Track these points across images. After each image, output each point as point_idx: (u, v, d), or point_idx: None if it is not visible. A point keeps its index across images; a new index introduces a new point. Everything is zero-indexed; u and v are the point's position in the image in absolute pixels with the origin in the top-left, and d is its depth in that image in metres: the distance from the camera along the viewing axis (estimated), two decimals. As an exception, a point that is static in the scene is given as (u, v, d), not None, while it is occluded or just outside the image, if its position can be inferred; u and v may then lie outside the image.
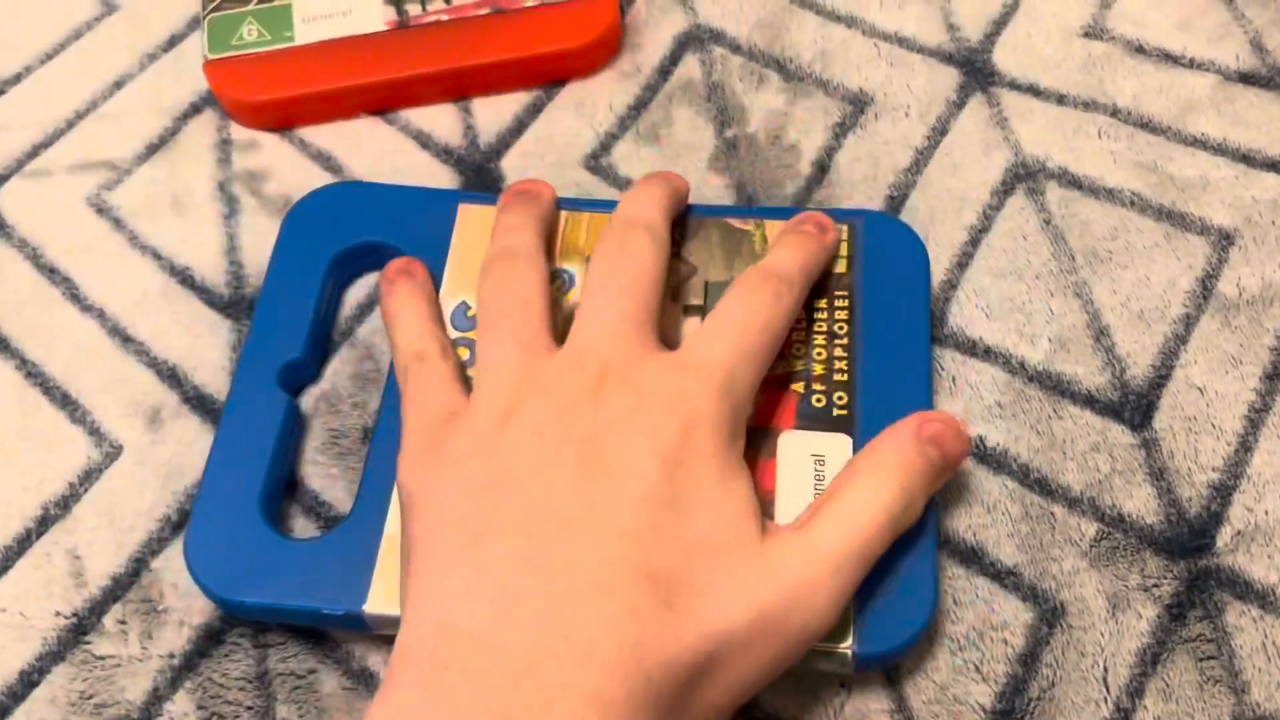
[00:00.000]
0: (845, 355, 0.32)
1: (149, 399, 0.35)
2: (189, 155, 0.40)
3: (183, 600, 0.32)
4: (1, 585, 0.33)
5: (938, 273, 0.36)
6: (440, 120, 0.41)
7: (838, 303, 0.33)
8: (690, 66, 0.41)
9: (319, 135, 0.40)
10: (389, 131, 0.40)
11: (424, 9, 0.41)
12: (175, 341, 0.36)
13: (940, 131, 0.39)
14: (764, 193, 0.38)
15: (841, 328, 0.33)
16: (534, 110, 0.41)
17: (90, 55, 0.42)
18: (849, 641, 0.28)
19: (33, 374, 0.36)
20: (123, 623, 0.32)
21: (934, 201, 0.37)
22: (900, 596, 0.29)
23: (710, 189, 0.38)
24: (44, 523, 0.34)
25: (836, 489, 0.28)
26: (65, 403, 0.35)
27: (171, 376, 0.36)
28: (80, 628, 0.32)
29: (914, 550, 0.29)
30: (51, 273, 0.38)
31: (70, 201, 0.39)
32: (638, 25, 0.42)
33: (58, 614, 0.32)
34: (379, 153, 0.40)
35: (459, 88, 0.41)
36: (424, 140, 0.40)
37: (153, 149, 0.40)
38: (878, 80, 0.40)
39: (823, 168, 0.38)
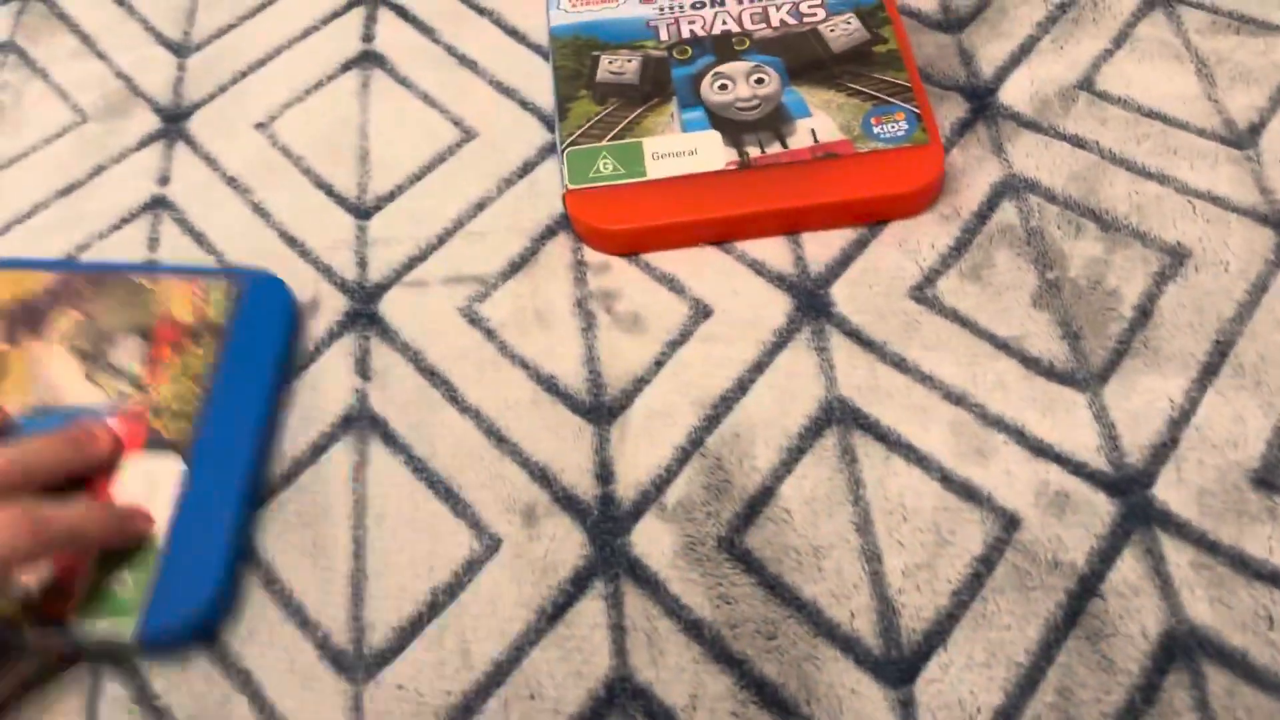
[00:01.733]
0: (197, 392, 0.40)
1: (524, 496, 0.39)
2: (548, 273, 0.44)
3: (557, 690, 0.35)
4: (401, 663, 0.36)
5: (1270, 420, 0.38)
6: (772, 250, 0.44)
7: (202, 348, 0.41)
8: (1008, 213, 0.44)
9: (663, 260, 0.44)
10: (727, 259, 0.44)
11: (763, 151, 0.44)
12: (545, 444, 0.40)
13: (1260, 288, 0.41)
14: (1089, 331, 0.40)
15: (202, 369, 0.40)
16: (859, 245, 0.44)
17: (454, 178, 0.47)
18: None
19: (419, 469, 0.40)
20: (505, 706, 0.35)
21: (1263, 352, 0.39)
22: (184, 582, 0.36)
23: (1034, 324, 0.41)
24: (434, 607, 0.37)
25: None
26: (449, 497, 0.39)
27: (542, 476, 0.39)
28: (467, 708, 0.35)
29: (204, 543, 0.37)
30: (433, 375, 0.42)
31: (445, 311, 0.43)
32: (955, 173, 0.45)
33: (448, 693, 0.36)
34: (718, 278, 0.43)
35: (791, 224, 0.44)
36: (759, 268, 0.44)
37: (515, 266, 0.44)
38: (1194, 235, 0.42)
39: (1145, 312, 0.41)
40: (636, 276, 0.44)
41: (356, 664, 0.36)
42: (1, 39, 0.54)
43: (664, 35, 0.48)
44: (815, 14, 0.48)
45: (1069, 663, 0.35)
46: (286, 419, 0.41)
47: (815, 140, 0.44)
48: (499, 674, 0.36)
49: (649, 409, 0.40)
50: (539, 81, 0.50)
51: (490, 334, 0.43)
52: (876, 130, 0.44)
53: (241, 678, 0.36)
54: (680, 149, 0.45)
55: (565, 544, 0.38)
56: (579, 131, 0.45)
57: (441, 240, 0.45)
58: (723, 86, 0.46)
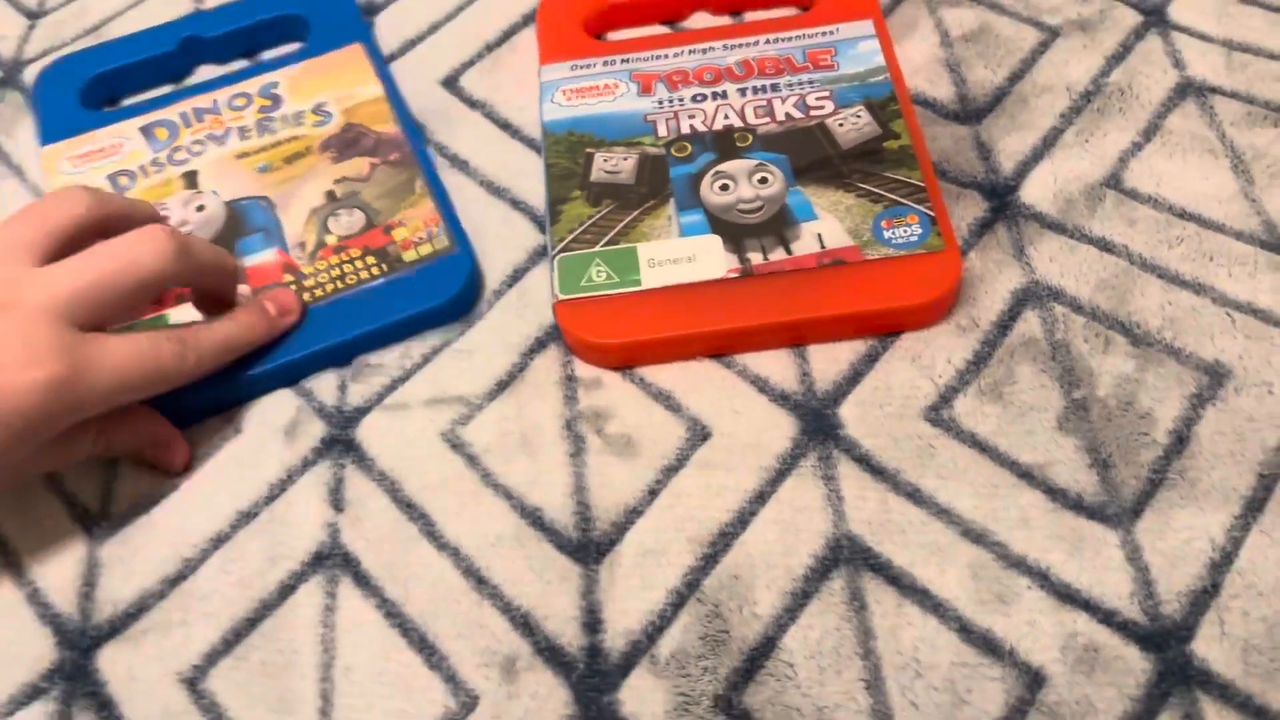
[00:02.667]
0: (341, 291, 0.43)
1: (504, 647, 0.36)
2: (536, 392, 0.41)
3: None
4: (367, 835, 0.33)
5: (1322, 572, 0.34)
6: (776, 365, 0.41)
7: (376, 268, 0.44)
8: (1030, 323, 0.41)
9: (659, 375, 0.41)
10: (727, 374, 0.41)
11: (765, 258, 0.41)
12: (528, 588, 0.37)
13: (1316, 414, 0.37)
14: (1120, 460, 0.37)
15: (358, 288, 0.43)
16: (869, 359, 0.41)
17: (440, 287, 0.44)
18: None
19: (392, 614, 0.37)
20: None
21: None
22: None
23: (1060, 451, 0.37)
24: (404, 771, 0.34)
25: None
26: (423, 646, 0.36)
27: (524, 624, 0.36)
28: None
29: None
30: (409, 508, 0.39)
31: (427, 435, 0.40)
32: (972, 279, 0.42)
33: None
34: (718, 395, 0.41)
35: (795, 336, 0.41)
36: (761, 385, 0.41)
37: (502, 385, 0.42)
38: (1234, 352, 0.39)
39: (1181, 438, 0.37)
40: (630, 393, 0.41)
41: (319, 838, 0.33)
42: (-17, 139, 0.53)
43: (662, 131, 0.46)
44: (823, 107, 0.46)
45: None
46: (253, 553, 0.38)
47: (821, 246, 0.42)
48: None
49: (641, 545, 0.37)
50: (531, 180, 0.47)
51: (473, 460, 0.40)
52: (887, 235, 0.41)
53: None
54: (678, 255, 0.42)
55: (548, 703, 0.35)
56: (571, 236, 0.43)
57: (426, 359, 0.43)
58: (724, 186, 0.44)
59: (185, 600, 0.38)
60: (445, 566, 0.38)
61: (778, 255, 0.42)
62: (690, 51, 0.49)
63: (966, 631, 0.35)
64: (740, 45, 0.49)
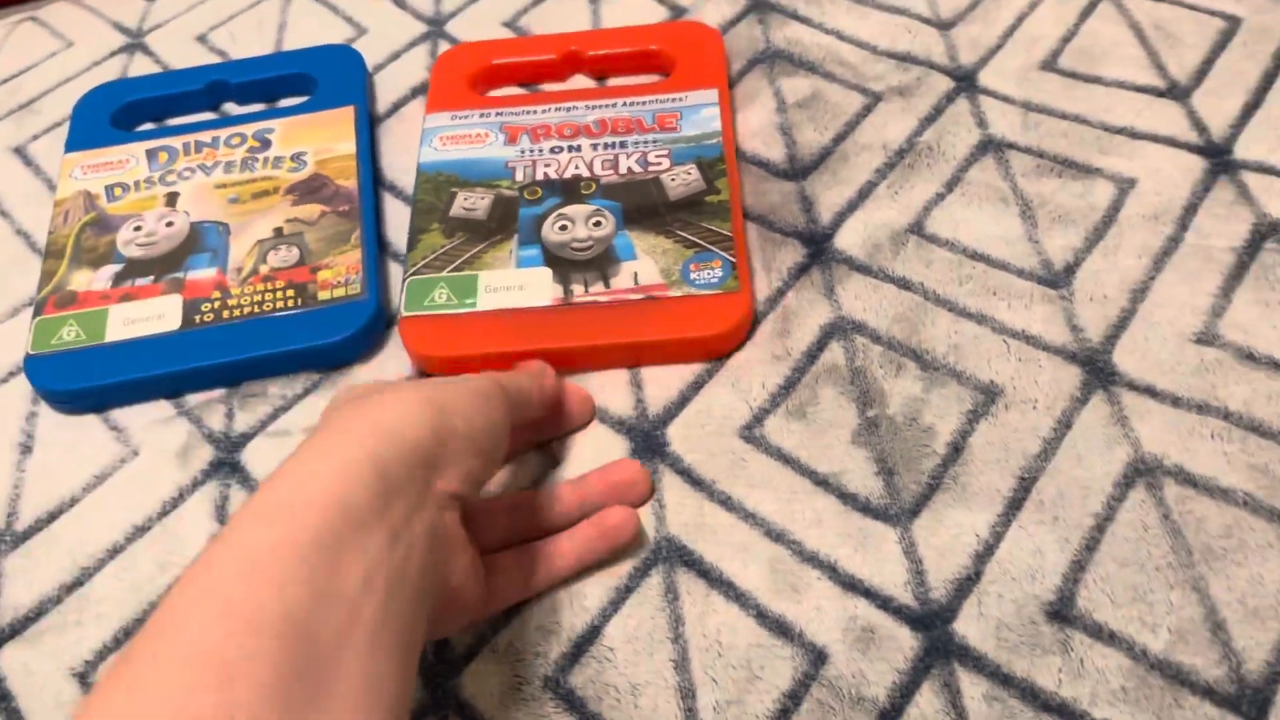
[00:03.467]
0: None
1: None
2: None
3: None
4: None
5: (1067, 554, 0.40)
6: (615, 392, 0.47)
7: None
8: (835, 353, 0.46)
9: (512, 404, 0.47)
10: (571, 401, 0.46)
11: (586, 290, 0.47)
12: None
13: (1065, 425, 0.43)
14: (903, 467, 0.43)
15: None
16: (695, 386, 0.46)
17: (322, 326, 0.50)
18: None
19: (265, 611, 0.42)
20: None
21: (1062, 488, 0.41)
22: None
23: (852, 461, 0.43)
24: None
25: None
26: (292, 639, 0.41)
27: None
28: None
29: None
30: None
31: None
32: (788, 314, 0.48)
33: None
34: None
35: (616, 359, 0.47)
36: (601, 413, 0.46)
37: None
38: (1007, 374, 0.45)
39: (957, 448, 0.43)
40: (486, 420, 0.46)
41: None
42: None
43: (519, 176, 0.52)
44: (660, 163, 0.52)
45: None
46: (144, 562, 0.43)
47: (636, 283, 0.48)
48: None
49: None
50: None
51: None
52: (693, 276, 0.47)
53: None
54: (511, 284, 0.48)
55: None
56: (423, 262, 0.49)
57: (307, 390, 0.48)
58: (563, 227, 0.50)
59: (81, 604, 0.43)
60: (314, 571, 0.42)
61: (597, 288, 0.48)
62: (557, 109, 0.55)
63: (763, 617, 0.40)
64: (600, 106, 0.55)
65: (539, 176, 0.52)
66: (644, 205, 0.50)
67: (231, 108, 0.59)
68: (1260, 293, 0.45)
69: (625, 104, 0.55)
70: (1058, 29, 0.57)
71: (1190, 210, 0.49)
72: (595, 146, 0.53)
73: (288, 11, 0.64)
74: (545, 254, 0.49)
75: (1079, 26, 0.57)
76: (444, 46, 0.61)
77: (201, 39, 0.63)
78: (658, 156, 0.52)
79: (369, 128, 0.56)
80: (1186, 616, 0.38)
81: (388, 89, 0.59)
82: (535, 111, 0.55)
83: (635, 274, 0.48)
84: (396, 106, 0.58)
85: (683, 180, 0.51)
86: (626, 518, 0.41)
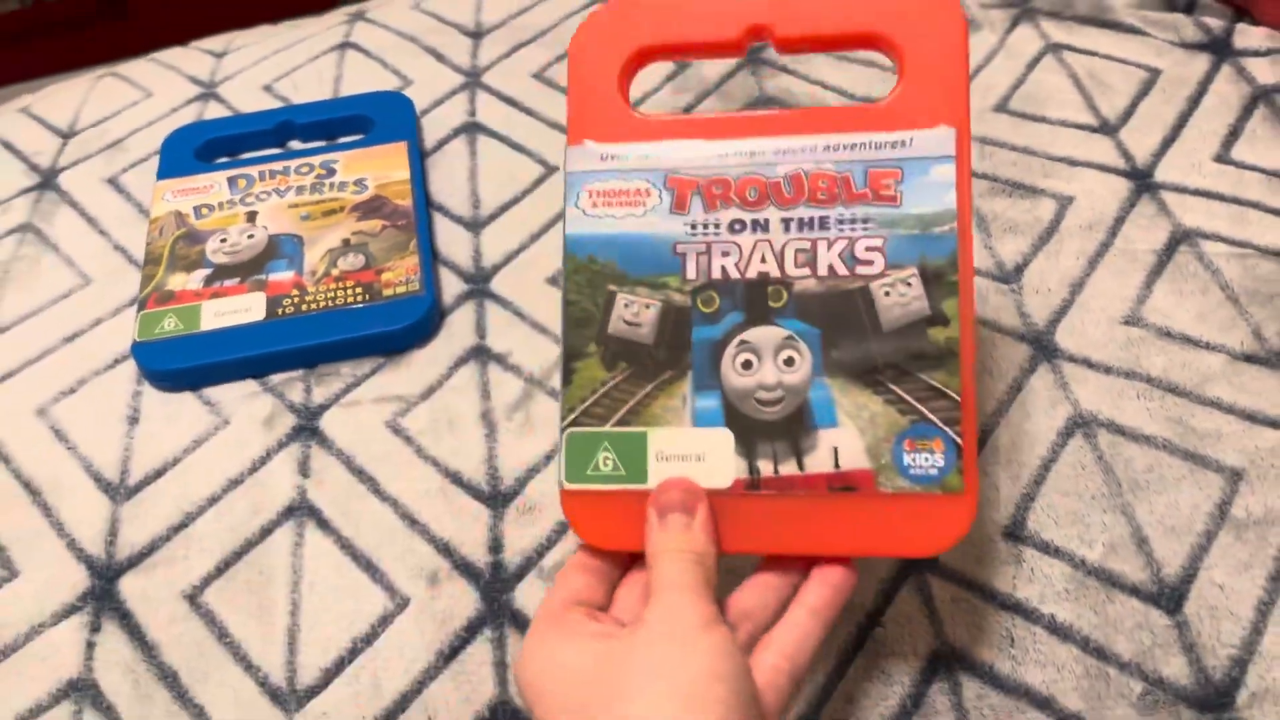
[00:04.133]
0: None
1: (429, 565, 0.48)
2: (458, 394, 0.54)
3: (450, 714, 0.44)
4: (325, 696, 0.45)
5: (1018, 488, 0.48)
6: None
7: None
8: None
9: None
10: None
11: (776, 470, 0.38)
12: (448, 524, 0.50)
13: (1016, 389, 0.52)
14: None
15: None
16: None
17: (385, 319, 0.58)
18: None
19: (345, 546, 0.49)
20: (409, 727, 0.44)
21: (1015, 438, 0.50)
22: None
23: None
24: (354, 653, 0.46)
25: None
26: (369, 567, 0.49)
27: (446, 549, 0.49)
28: (379, 730, 0.44)
29: None
30: (360, 474, 0.52)
31: (374, 424, 0.53)
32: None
33: (363, 718, 0.44)
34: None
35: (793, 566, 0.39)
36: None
37: (432, 389, 0.55)
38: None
39: (927, 414, 0.51)
40: (541, 396, 0.54)
41: (289, 698, 0.45)
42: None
43: (691, 271, 0.39)
44: (872, 261, 0.38)
45: (856, 677, 0.44)
46: (240, 508, 0.51)
47: (836, 465, 0.37)
48: (404, 702, 0.45)
49: (538, 493, 0.50)
50: (463, 250, 0.61)
51: (409, 440, 0.53)
52: (907, 462, 0.37)
53: (195, 710, 0.45)
54: (687, 451, 0.38)
55: (461, 601, 0.47)
56: (581, 408, 0.39)
57: (374, 370, 0.56)
58: (746, 364, 0.39)
59: (187, 541, 0.50)
60: (387, 512, 0.50)
61: (789, 468, 0.38)
62: (736, 152, 0.40)
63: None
64: (794, 150, 0.40)
65: (715, 274, 0.39)
66: (849, 335, 0.38)
67: (297, 145, 0.68)
68: (1175, 284, 0.55)
69: (828, 147, 0.40)
70: (1008, 78, 0.67)
71: (1119, 221, 0.58)
72: (787, 225, 0.39)
73: (343, 65, 0.73)
74: (725, 404, 0.38)
75: (1026, 76, 0.67)
76: (481, 96, 0.70)
77: (267, 88, 0.72)
78: (868, 249, 0.39)
79: (420, 159, 0.65)
80: (1117, 534, 0.46)
81: (433, 129, 0.68)
82: (707, 152, 0.40)
83: (835, 450, 0.37)
84: (441, 144, 0.67)
85: (899, 297, 0.38)
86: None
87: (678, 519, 0.37)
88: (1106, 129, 0.63)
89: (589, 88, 0.42)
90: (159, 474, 0.53)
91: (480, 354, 0.56)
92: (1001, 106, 0.65)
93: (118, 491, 0.52)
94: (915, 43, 0.40)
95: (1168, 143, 0.62)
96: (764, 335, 0.39)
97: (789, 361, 0.38)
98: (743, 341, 0.39)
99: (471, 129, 0.68)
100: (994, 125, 0.64)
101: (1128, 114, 0.64)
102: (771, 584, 0.38)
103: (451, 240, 0.62)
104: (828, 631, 0.37)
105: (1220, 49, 0.67)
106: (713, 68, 0.70)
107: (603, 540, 0.39)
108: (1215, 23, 0.68)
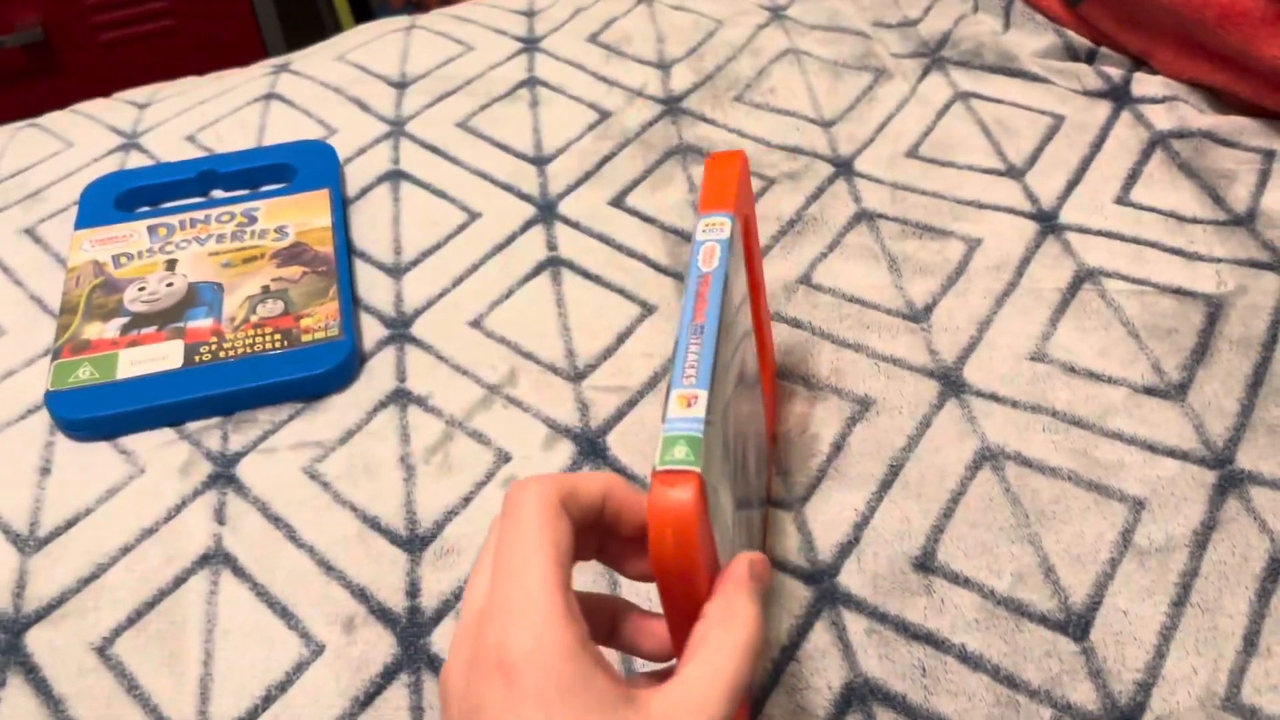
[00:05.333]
0: None
1: (345, 611, 0.48)
2: (376, 439, 0.54)
3: (368, 760, 0.44)
4: (237, 744, 0.44)
5: (928, 520, 0.49)
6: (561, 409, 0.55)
7: None
8: (742, 377, 0.56)
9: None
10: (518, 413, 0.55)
11: None
12: (366, 570, 0.49)
13: (925, 424, 0.53)
14: (796, 468, 0.52)
15: None
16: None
17: (305, 366, 0.58)
18: None
19: (260, 593, 0.49)
20: (323, 775, 0.43)
21: (924, 471, 0.51)
22: None
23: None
24: (267, 700, 0.46)
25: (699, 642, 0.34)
26: (284, 614, 0.48)
27: (362, 594, 0.49)
28: (292, 778, 0.43)
29: None
30: (276, 520, 0.51)
31: (291, 470, 0.53)
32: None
33: (276, 768, 0.44)
34: (509, 428, 0.54)
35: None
36: (549, 421, 0.55)
37: (350, 433, 0.55)
38: (878, 388, 0.54)
39: (838, 447, 0.52)
40: (457, 435, 0.54)
41: (200, 748, 0.44)
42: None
43: None
44: None
45: (771, 713, 0.44)
46: (153, 556, 0.50)
47: None
48: (318, 751, 0.44)
49: (457, 535, 0.50)
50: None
51: (326, 485, 0.53)
52: None
53: (103, 764, 0.44)
54: None
55: (378, 646, 0.47)
56: None
57: (291, 417, 0.56)
58: None
59: (98, 593, 0.49)
60: (303, 558, 0.50)
61: None
62: None
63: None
64: None
65: None
66: None
67: (220, 194, 0.68)
68: (1080, 321, 0.56)
69: None
70: (919, 125, 0.69)
71: (1025, 261, 0.60)
72: None
73: (267, 115, 0.74)
74: None
75: (936, 123, 0.69)
76: (405, 144, 0.71)
77: (190, 139, 0.73)
78: None
79: (342, 207, 0.66)
80: (1024, 563, 0.47)
81: (357, 177, 0.69)
82: None
83: None
84: (364, 191, 0.68)
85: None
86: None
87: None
88: (1013, 173, 0.65)
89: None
90: (70, 524, 0.52)
91: (400, 397, 0.56)
92: (912, 152, 0.67)
93: (26, 543, 0.51)
94: None
95: (1071, 185, 0.64)
96: None
97: None
98: None
99: (395, 176, 0.68)
100: (905, 170, 0.66)
101: (1033, 158, 0.66)
102: None
103: (373, 286, 0.62)
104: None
105: (1120, 96, 0.69)
106: (634, 116, 0.72)
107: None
108: (1115, 71, 0.71)
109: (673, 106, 0.72)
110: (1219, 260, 0.58)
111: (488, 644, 0.32)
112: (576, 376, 0.56)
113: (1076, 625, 0.45)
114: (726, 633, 0.34)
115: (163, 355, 0.57)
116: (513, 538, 0.34)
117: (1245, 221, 0.60)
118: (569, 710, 0.30)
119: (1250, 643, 0.44)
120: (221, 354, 0.57)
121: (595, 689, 0.31)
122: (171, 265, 0.62)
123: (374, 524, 0.51)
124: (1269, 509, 0.48)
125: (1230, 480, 0.49)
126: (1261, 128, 0.65)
